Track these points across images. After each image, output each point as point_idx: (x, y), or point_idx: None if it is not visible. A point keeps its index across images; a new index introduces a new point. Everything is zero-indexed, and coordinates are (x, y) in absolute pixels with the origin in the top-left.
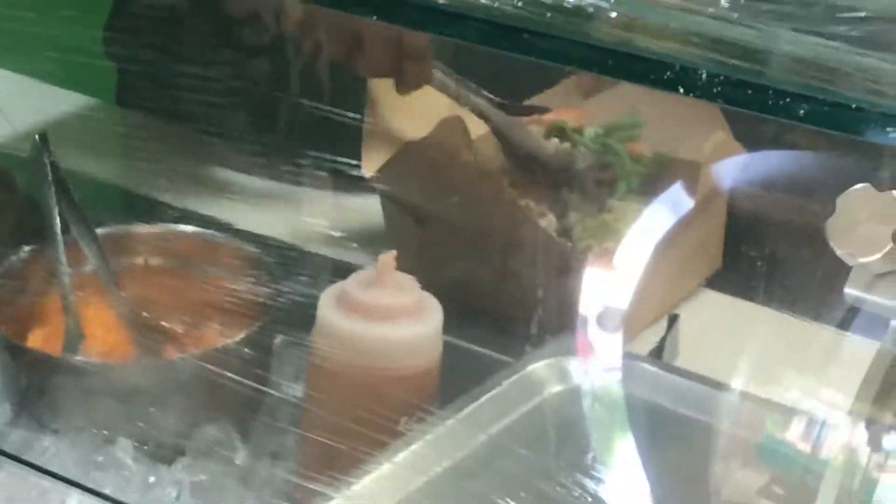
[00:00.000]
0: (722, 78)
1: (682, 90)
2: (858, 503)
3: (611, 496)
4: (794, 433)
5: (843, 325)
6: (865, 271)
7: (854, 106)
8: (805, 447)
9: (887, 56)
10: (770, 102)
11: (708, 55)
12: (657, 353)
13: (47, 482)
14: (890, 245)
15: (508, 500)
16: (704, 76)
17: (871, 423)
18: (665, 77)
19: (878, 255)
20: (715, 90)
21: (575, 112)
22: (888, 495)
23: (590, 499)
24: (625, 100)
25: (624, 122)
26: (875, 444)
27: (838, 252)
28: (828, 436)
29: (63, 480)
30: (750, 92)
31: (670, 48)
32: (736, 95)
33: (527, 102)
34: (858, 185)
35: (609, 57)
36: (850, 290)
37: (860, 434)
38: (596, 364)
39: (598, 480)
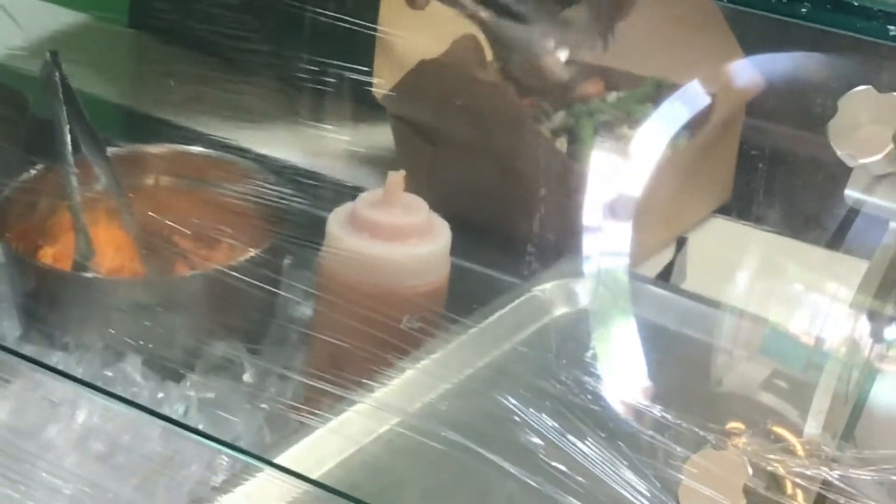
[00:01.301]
0: None
1: None
2: (859, 392)
3: (618, 396)
4: (797, 328)
5: (843, 227)
6: (866, 173)
7: (856, 3)
8: (808, 341)
9: None
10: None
11: None
12: (665, 276)
13: (57, 395)
14: (890, 146)
15: (526, 406)
16: None
17: (872, 316)
18: None
19: (879, 157)
20: None
21: (592, 82)
22: (888, 384)
23: (595, 401)
24: (638, 30)
25: (643, 83)
26: (877, 335)
27: (839, 153)
28: (830, 330)
29: (79, 383)
30: None
31: None
32: None
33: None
34: (860, 87)
35: None
36: (850, 192)
37: (863, 326)
38: (604, 252)
39: (599, 378)
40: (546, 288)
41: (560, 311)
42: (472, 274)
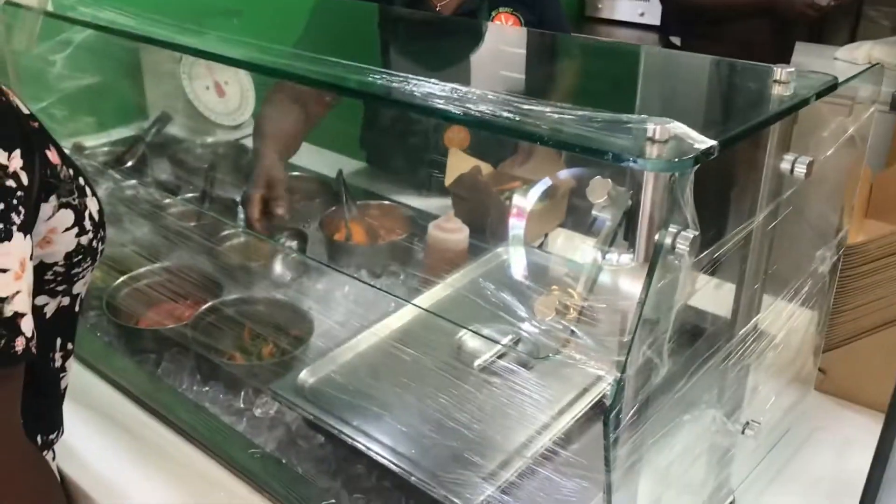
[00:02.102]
0: (518, 132)
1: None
2: (595, 279)
3: (514, 284)
4: (578, 258)
5: (592, 224)
6: (597, 206)
7: (594, 147)
8: (580, 261)
9: (599, 130)
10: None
11: (517, 118)
12: (540, 247)
13: (336, 284)
14: (605, 196)
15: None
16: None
17: (601, 250)
18: (504, 128)
19: (600, 201)
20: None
21: (517, 182)
22: (605, 274)
23: (508, 288)
24: (535, 167)
25: (533, 181)
26: (602, 256)
27: (590, 199)
28: (587, 256)
29: (348, 276)
30: (538, 143)
31: (513, 124)
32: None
33: (501, 165)
34: (598, 177)
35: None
36: (594, 212)
37: (598, 253)
38: (514, 236)
39: (511, 279)
40: (501, 250)
41: (504, 257)
42: (475, 246)
